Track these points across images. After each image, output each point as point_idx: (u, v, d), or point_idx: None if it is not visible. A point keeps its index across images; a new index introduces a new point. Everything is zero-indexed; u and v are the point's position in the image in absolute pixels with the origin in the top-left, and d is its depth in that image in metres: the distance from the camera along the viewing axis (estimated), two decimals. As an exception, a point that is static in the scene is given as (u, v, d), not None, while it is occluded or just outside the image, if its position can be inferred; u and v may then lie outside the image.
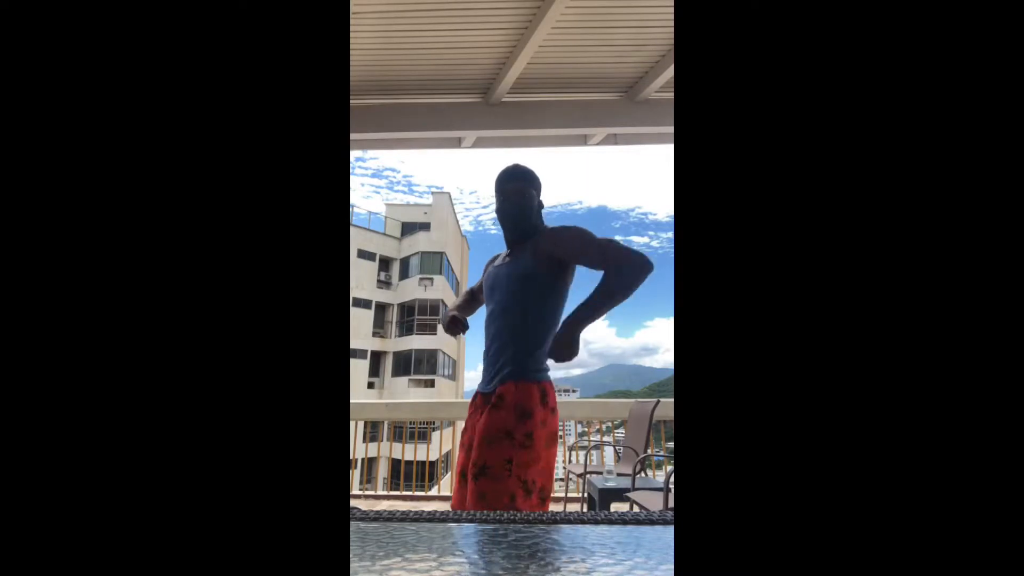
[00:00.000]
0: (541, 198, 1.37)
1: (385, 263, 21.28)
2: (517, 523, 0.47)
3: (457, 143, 3.43)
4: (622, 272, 1.16)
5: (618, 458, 3.35)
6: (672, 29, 1.28)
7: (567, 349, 1.16)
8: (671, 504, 1.88)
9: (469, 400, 1.37)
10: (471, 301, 1.53)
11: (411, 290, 20.65)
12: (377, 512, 0.51)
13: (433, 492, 5.06)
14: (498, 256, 1.43)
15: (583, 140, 3.37)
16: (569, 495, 3.51)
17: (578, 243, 1.24)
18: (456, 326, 1.45)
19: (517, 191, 1.32)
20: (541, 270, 1.25)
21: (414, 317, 20.39)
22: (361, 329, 19.15)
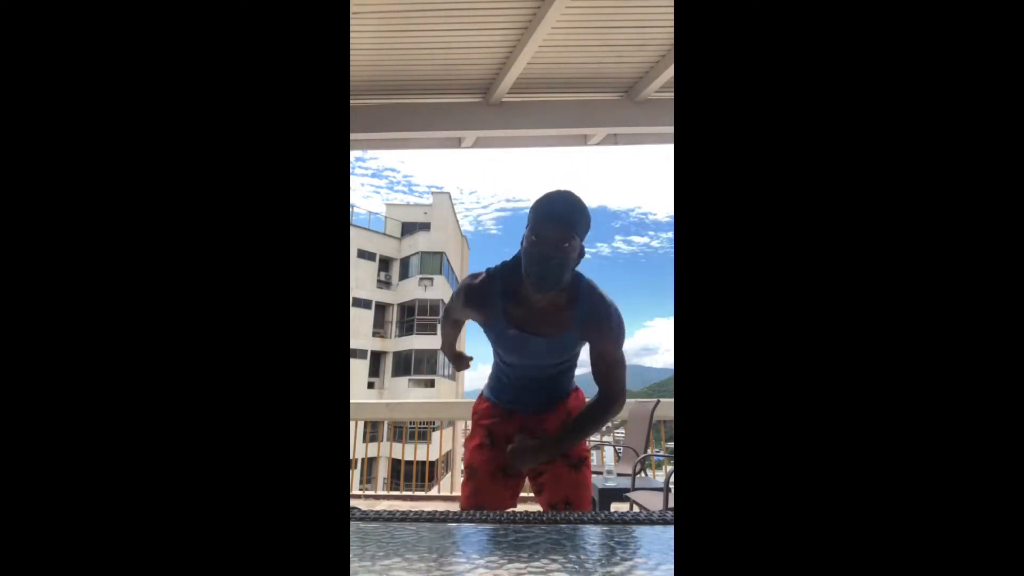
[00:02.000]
0: (584, 244, 1.04)
1: (385, 263, 21.27)
2: (517, 523, 0.47)
3: (457, 143, 3.43)
4: (608, 408, 1.11)
5: (618, 458, 3.35)
6: (672, 29, 1.27)
7: (525, 459, 1.10)
8: (671, 504, 1.87)
9: (479, 403, 1.29)
10: (457, 332, 1.40)
11: (411, 290, 20.64)
12: (377, 512, 0.51)
13: (433, 492, 5.06)
14: (491, 298, 1.09)
15: (583, 140, 3.37)
16: (569, 495, 3.50)
17: (605, 347, 1.08)
18: (463, 361, 1.42)
19: (558, 240, 0.97)
20: (603, 352, 1.10)
21: (414, 317, 20.39)
22: (361, 329, 19.15)
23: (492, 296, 1.09)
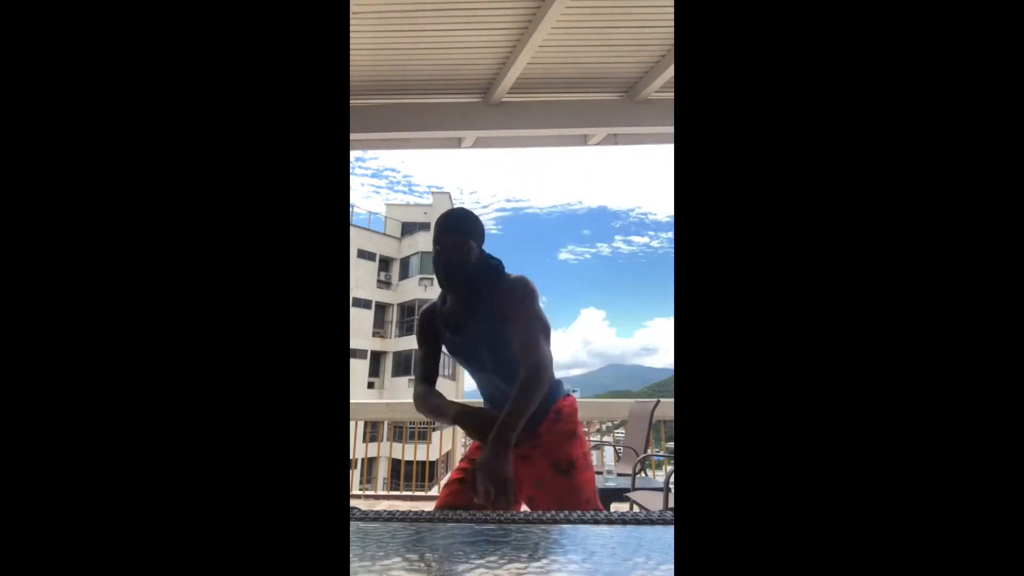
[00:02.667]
0: (483, 247, 1.25)
1: (385, 263, 21.26)
2: (517, 523, 0.47)
3: (457, 143, 3.42)
4: (531, 382, 1.08)
5: (618, 458, 3.35)
6: (672, 29, 1.27)
7: (484, 475, 1.01)
8: (671, 504, 1.87)
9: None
10: (433, 382, 1.33)
11: (411, 290, 20.63)
12: (377, 512, 0.51)
13: (433, 492, 5.06)
14: (435, 312, 1.31)
15: (583, 140, 3.37)
16: (569, 495, 3.50)
17: (520, 319, 1.16)
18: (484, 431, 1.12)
19: (456, 244, 1.20)
20: (517, 330, 1.16)
21: (414, 317, 20.39)
22: (361, 329, 19.13)
23: (433, 312, 1.32)
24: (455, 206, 1.34)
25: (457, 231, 1.21)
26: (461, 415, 1.16)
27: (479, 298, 1.23)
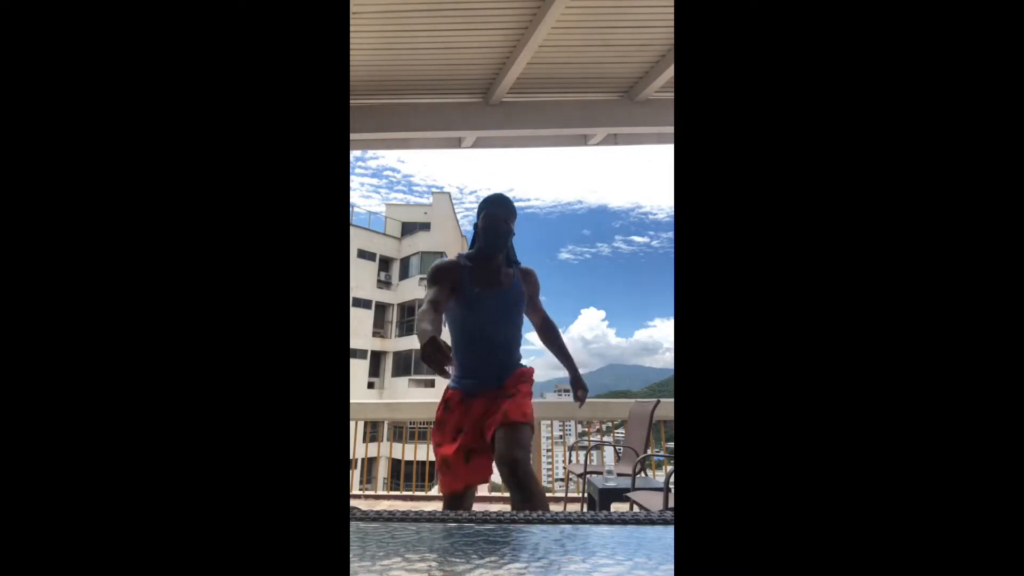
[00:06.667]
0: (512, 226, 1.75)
1: (385, 263, 21.26)
2: (517, 523, 0.47)
3: (457, 143, 3.43)
4: (564, 345, 1.90)
5: (618, 458, 3.35)
6: (672, 29, 1.27)
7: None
8: (671, 504, 1.88)
9: (444, 395, 1.68)
10: (438, 314, 1.61)
11: (411, 290, 20.63)
12: (377, 512, 0.51)
13: (433, 492, 5.06)
14: (459, 266, 1.67)
15: (583, 140, 3.37)
16: (569, 495, 3.51)
17: (537, 291, 1.83)
18: (441, 358, 1.34)
19: (502, 220, 1.69)
20: (523, 299, 1.74)
21: (414, 317, 20.38)
22: (361, 329, 19.14)
23: (459, 266, 1.68)
24: (495, 192, 1.95)
25: (502, 209, 1.69)
26: (428, 345, 1.37)
27: (508, 267, 1.71)
